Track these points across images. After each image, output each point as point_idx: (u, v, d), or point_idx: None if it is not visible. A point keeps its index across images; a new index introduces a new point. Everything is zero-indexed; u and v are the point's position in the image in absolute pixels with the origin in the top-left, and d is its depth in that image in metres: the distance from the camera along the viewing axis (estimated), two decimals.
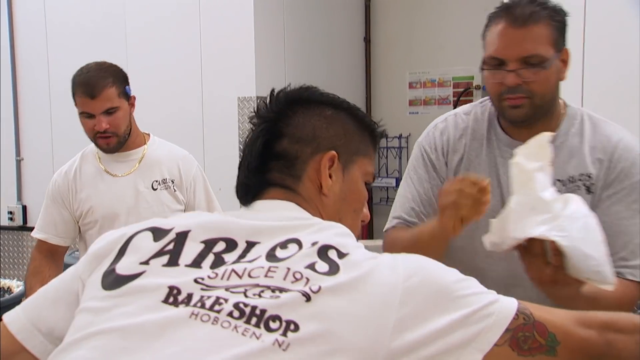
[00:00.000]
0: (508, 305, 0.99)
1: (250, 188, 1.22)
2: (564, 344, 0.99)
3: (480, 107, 1.82)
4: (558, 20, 1.61)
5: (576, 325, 1.01)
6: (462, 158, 1.77)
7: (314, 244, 1.03)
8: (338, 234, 1.09)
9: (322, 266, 1.00)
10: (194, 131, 3.71)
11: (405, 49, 4.86)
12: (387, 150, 4.91)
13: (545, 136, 1.38)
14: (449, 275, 1.03)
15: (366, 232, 4.87)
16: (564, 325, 1.00)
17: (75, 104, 2.50)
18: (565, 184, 1.65)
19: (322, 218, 1.15)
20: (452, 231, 1.50)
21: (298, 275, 0.99)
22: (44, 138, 4.21)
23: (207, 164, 3.49)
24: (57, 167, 3.95)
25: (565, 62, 1.65)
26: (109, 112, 2.48)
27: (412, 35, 4.82)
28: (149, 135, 2.71)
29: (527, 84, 1.58)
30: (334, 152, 1.16)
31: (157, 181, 2.63)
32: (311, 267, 1.00)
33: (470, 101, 4.57)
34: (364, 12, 4.92)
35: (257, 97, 3.61)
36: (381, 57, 4.95)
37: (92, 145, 2.64)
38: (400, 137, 4.86)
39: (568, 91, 2.94)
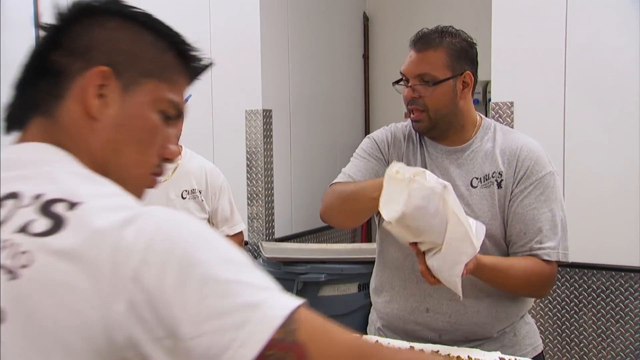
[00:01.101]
0: (275, 312, 0.72)
1: (12, 112, 0.93)
2: None
3: (409, 123, 2.00)
4: (456, 47, 1.82)
5: None
6: (403, 154, 1.95)
7: (37, 197, 0.78)
8: (76, 177, 0.83)
9: (40, 225, 0.75)
10: (205, 143, 3.74)
11: (401, 65, 4.88)
12: None
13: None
14: (215, 251, 0.77)
15: (364, 234, 4.96)
16: (336, 357, 0.75)
17: None
18: (481, 181, 1.85)
19: (91, 148, 0.89)
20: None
21: (3, 244, 0.75)
22: None
23: None
24: None
25: (466, 84, 1.85)
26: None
27: (407, 50, 4.88)
28: (181, 146, 2.75)
29: (422, 99, 1.82)
30: (105, 68, 0.89)
31: (186, 191, 2.70)
32: (24, 228, 0.75)
33: None
34: (363, 31, 4.99)
35: (264, 110, 3.66)
36: (379, 72, 5.01)
37: None
38: None
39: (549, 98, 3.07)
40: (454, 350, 1.69)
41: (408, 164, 1.90)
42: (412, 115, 1.87)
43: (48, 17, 0.95)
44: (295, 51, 4.04)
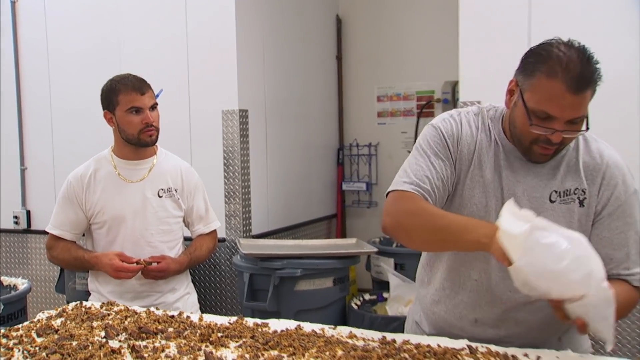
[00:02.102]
0: None
1: None
2: None
3: (486, 113, 1.79)
4: (599, 78, 1.56)
5: None
6: (474, 151, 1.72)
7: None
8: None
9: None
10: (182, 142, 3.73)
11: (373, 65, 4.95)
12: (358, 158, 5.03)
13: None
14: None
15: (339, 230, 4.97)
16: None
17: (115, 106, 2.58)
18: (561, 196, 1.68)
19: None
20: (498, 258, 1.45)
21: None
22: (45, 149, 4.24)
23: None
24: (58, 175, 4.04)
25: None
26: (154, 107, 2.61)
27: (379, 53, 4.92)
28: (157, 147, 2.78)
29: (565, 139, 1.60)
30: None
31: (162, 189, 2.71)
32: None
33: (432, 113, 4.71)
34: (336, 33, 5.00)
35: (240, 110, 3.64)
36: (351, 73, 5.03)
37: (105, 152, 2.73)
38: (369, 145, 4.98)
39: None
40: (424, 339, 1.70)
41: (479, 161, 1.72)
42: (539, 150, 1.62)
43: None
44: (270, 52, 4.03)
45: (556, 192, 1.68)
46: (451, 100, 4.57)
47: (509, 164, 1.71)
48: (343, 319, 3.51)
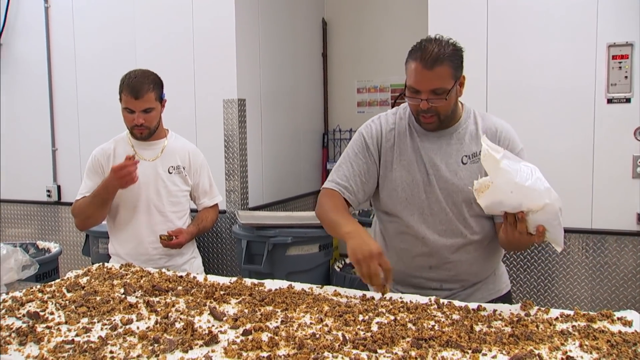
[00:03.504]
0: None
1: None
2: None
3: (402, 109, 1.96)
4: (456, 59, 1.74)
5: None
6: (394, 144, 1.89)
7: None
8: None
9: None
10: (189, 127, 3.71)
11: (354, 62, 4.91)
12: (340, 141, 5.00)
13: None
14: None
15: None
16: None
17: (120, 100, 2.54)
18: (470, 158, 1.84)
19: None
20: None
21: None
22: (72, 133, 4.24)
23: None
24: (83, 156, 4.02)
25: (462, 84, 1.80)
26: (146, 111, 2.54)
27: (359, 51, 4.88)
28: (167, 130, 2.76)
29: (435, 108, 1.75)
30: None
31: (172, 167, 2.68)
32: None
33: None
34: (322, 34, 4.96)
35: (239, 99, 3.62)
36: (335, 68, 5.00)
37: (125, 133, 2.69)
38: (350, 130, 4.95)
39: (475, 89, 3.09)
40: (395, 295, 1.72)
41: (400, 153, 1.89)
42: (422, 119, 1.80)
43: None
44: (264, 50, 4.00)
45: (466, 156, 1.84)
46: None
47: (424, 142, 1.86)
48: (327, 280, 3.52)
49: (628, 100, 2.86)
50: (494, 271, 1.98)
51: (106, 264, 2.20)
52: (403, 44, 4.56)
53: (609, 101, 2.89)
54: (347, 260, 3.86)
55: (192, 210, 2.85)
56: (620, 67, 2.85)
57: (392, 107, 4.71)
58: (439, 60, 1.70)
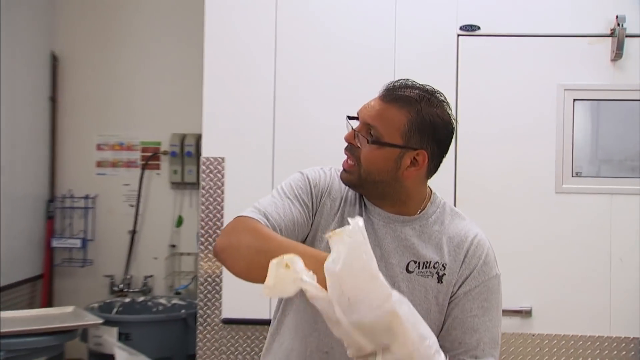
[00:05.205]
0: None
1: None
2: None
3: None
4: (424, 119, 1.38)
5: None
6: (339, 206, 1.50)
7: None
8: None
9: None
10: None
11: (94, 110, 4.07)
12: (72, 211, 4.01)
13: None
14: None
15: (46, 295, 3.90)
16: None
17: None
18: (419, 267, 1.44)
19: None
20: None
21: None
22: None
23: None
24: None
25: (416, 162, 1.40)
26: None
27: (102, 96, 4.06)
28: None
29: (358, 150, 1.41)
30: None
31: None
32: None
33: (158, 165, 4.00)
34: (51, 72, 4.02)
35: None
36: (68, 117, 4.07)
37: None
38: (87, 197, 4.01)
39: None
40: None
41: (339, 225, 1.46)
42: (344, 162, 1.46)
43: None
44: None
45: (415, 262, 1.45)
46: (179, 154, 3.89)
47: (371, 225, 1.49)
48: None
49: None
50: None
51: None
52: (162, 91, 4.00)
53: None
54: None
55: None
56: None
57: (143, 169, 3.98)
58: (399, 102, 1.39)
